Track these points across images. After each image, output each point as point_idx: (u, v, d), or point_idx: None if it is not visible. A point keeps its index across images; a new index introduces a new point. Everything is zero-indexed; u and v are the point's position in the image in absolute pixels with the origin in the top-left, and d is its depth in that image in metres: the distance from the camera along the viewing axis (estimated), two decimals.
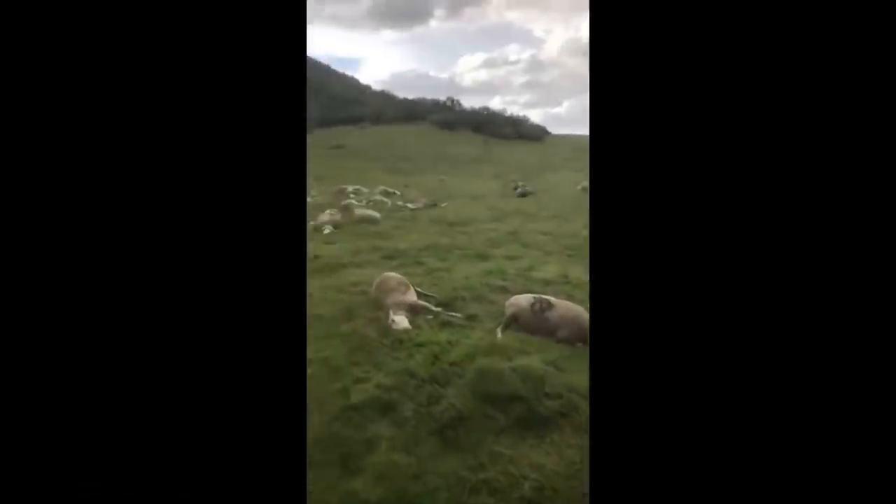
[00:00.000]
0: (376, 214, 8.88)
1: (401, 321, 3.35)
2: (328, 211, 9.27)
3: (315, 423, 2.23)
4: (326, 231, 7.71)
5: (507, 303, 3.60)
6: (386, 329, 3.31)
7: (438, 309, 3.72)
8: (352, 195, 13.00)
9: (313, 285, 4.55)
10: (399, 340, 3.12)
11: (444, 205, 11.16)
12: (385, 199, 12.09)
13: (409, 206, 11.00)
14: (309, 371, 2.70)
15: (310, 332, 3.34)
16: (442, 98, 58.48)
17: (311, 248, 6.41)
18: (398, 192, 14.04)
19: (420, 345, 3.03)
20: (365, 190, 14.32)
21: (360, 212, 9.08)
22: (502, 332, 3.29)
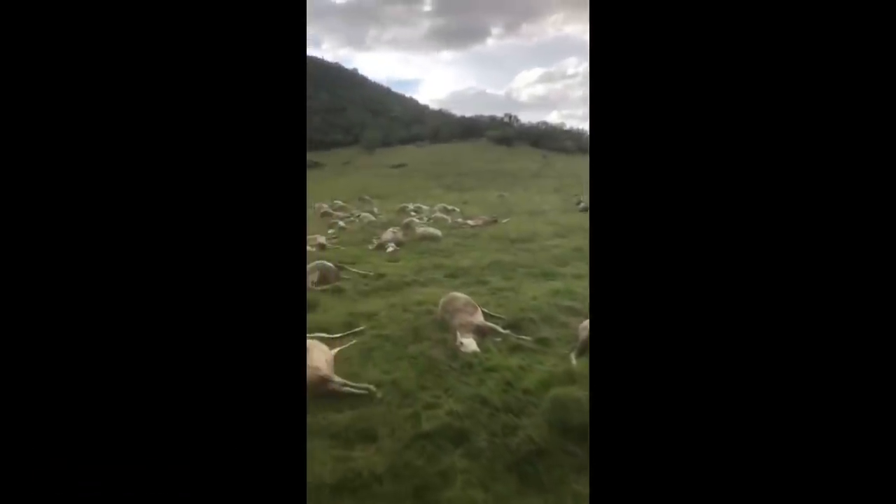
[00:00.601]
0: (437, 232, 8.91)
1: (469, 344, 3.26)
2: (391, 229, 9.43)
3: (387, 450, 2.18)
4: (390, 249, 7.82)
5: (581, 326, 3.41)
6: (454, 351, 3.23)
7: (507, 331, 3.60)
8: (412, 213, 13.19)
9: (379, 304, 4.58)
10: (468, 364, 3.03)
11: (504, 221, 11.01)
12: (445, 217, 12.11)
13: (470, 222, 10.95)
14: (379, 394, 2.67)
15: (378, 353, 3.34)
16: (499, 114, 58.61)
17: (376, 266, 6.52)
18: (457, 209, 14.05)
19: (490, 370, 2.92)
20: (425, 207, 14.48)
21: (421, 230, 9.14)
22: (577, 357, 3.11)
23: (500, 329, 3.62)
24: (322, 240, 8.67)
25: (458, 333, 3.40)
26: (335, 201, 17.26)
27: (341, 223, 11.68)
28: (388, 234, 8.71)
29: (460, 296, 3.95)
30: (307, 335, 3.44)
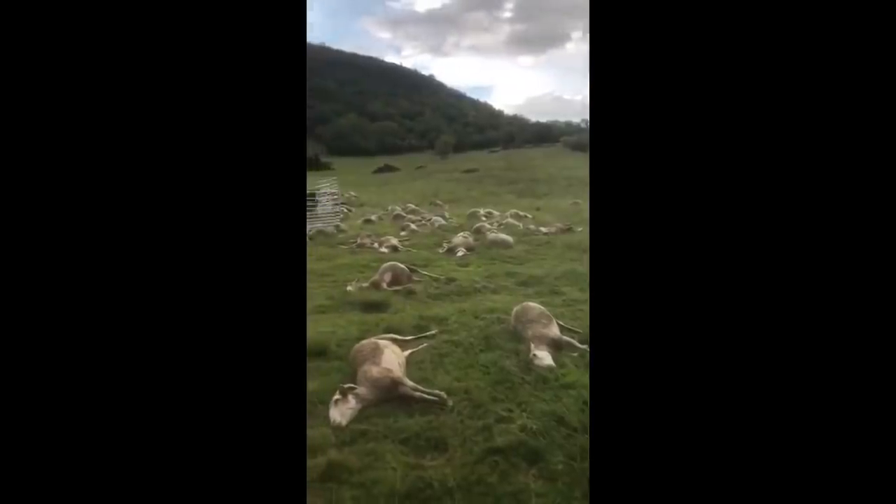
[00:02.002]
0: (509, 238, 8.75)
1: (544, 357, 3.12)
2: (461, 234, 9.43)
3: (458, 462, 2.11)
4: (460, 254, 7.80)
5: None
6: (527, 364, 3.10)
7: (584, 346, 3.40)
8: (483, 218, 13.12)
9: (449, 309, 4.55)
10: (543, 378, 2.89)
11: (579, 229, 10.59)
12: (517, 223, 11.91)
13: (542, 230, 10.66)
14: (450, 402, 2.62)
15: (448, 360, 3.29)
16: (575, 120, 57.18)
17: (447, 270, 6.51)
18: (530, 216, 13.78)
19: (567, 386, 2.76)
20: (496, 213, 14.35)
21: (493, 235, 9.04)
22: None
23: (576, 343, 3.43)
24: (394, 241, 8.85)
25: (532, 345, 3.27)
26: (408, 204, 17.63)
27: (413, 226, 11.87)
28: (458, 239, 8.70)
29: (534, 306, 3.81)
30: (381, 336, 3.48)
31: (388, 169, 42.96)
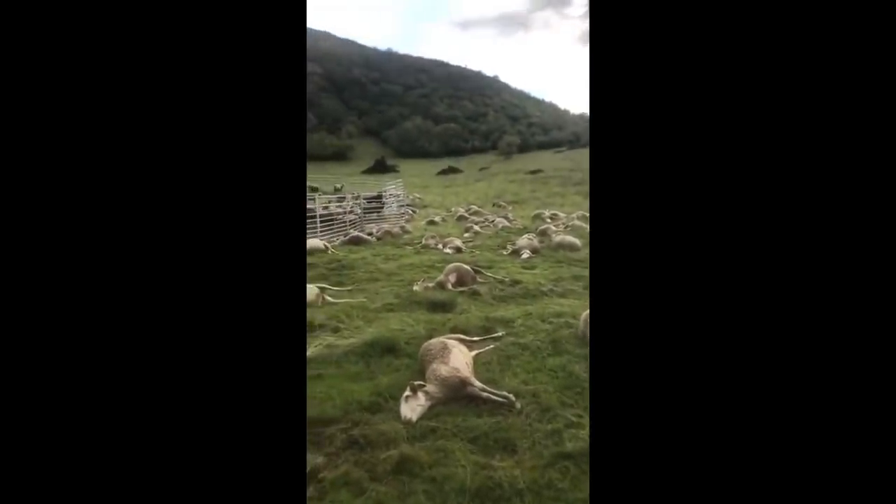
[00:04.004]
0: (577, 241, 8.53)
1: None
2: (526, 236, 9.33)
3: (527, 465, 2.11)
4: (524, 256, 7.72)
5: None
6: None
7: None
8: (548, 220, 12.90)
9: (515, 311, 4.52)
10: None
11: None
12: (584, 225, 11.58)
13: None
14: (518, 405, 2.61)
15: (515, 362, 3.28)
16: None
17: (511, 272, 6.48)
18: None
19: None
20: (562, 215, 14.05)
21: (559, 238, 8.85)
22: None
23: None
24: (458, 242, 8.93)
25: None
26: (471, 206, 17.70)
27: (476, 227, 11.90)
28: (523, 241, 8.60)
29: None
30: (448, 335, 3.54)
31: (451, 171, 43.36)
